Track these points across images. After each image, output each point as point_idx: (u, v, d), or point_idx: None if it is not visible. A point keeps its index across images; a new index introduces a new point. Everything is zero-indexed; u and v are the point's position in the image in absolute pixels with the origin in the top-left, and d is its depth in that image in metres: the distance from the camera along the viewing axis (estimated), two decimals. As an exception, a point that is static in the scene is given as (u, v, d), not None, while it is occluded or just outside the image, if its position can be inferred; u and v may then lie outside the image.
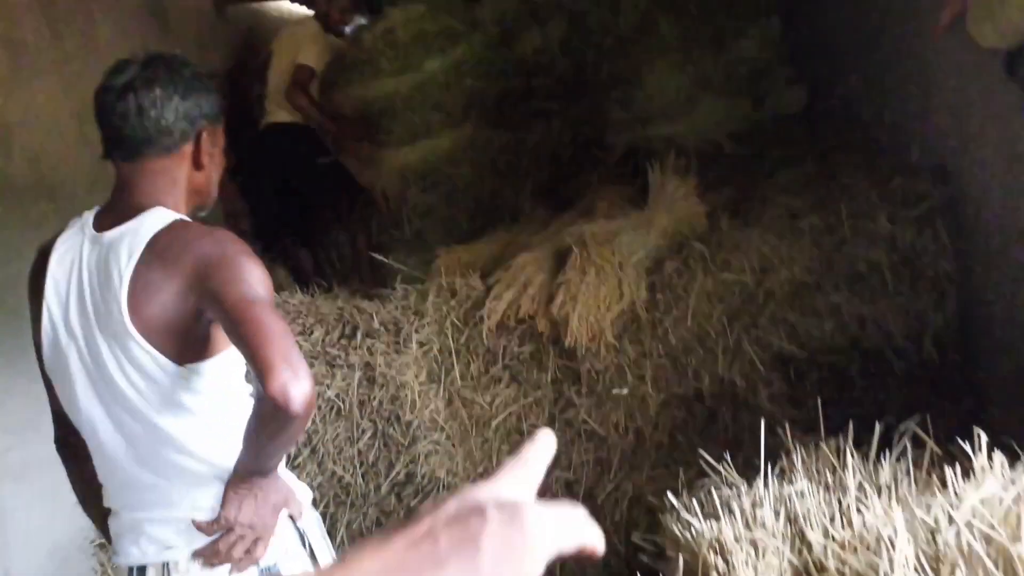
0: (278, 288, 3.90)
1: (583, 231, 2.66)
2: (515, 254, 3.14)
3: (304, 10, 5.14)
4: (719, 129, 4.14)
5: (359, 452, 2.59)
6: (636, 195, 3.41)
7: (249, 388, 1.35)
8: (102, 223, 1.32)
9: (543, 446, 0.45)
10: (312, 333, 2.84)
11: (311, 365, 2.77)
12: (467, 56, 4.53)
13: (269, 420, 1.15)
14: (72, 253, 1.32)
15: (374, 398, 2.62)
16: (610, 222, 2.73)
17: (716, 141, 4.13)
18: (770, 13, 4.22)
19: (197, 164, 1.36)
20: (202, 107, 1.34)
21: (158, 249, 1.24)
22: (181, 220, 1.30)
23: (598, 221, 2.90)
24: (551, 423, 2.66)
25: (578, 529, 0.40)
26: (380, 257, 3.11)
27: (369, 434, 2.61)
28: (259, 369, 1.11)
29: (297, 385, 1.11)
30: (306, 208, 3.97)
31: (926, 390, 2.50)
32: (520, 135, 4.32)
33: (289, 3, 5.46)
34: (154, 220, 1.28)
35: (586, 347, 2.52)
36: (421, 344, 2.74)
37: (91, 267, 1.29)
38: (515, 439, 2.67)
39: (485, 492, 0.40)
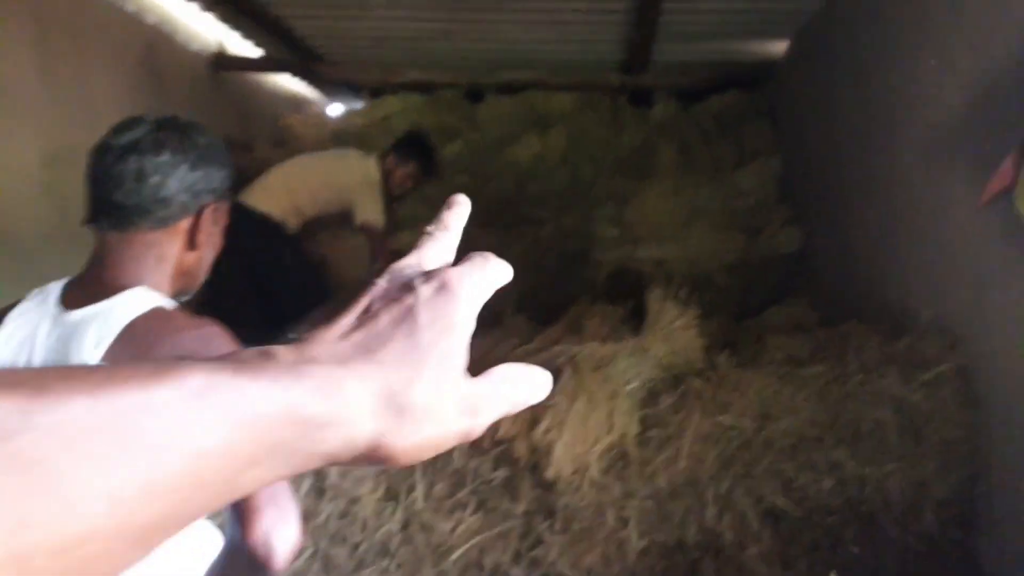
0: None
1: (574, 352, 2.48)
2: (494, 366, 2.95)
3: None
4: (711, 259, 4.08)
5: (293, 574, 2.27)
6: (627, 317, 3.28)
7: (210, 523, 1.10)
8: (70, 299, 1.11)
9: (461, 211, 0.48)
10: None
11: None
12: (462, 153, 4.47)
13: (240, 572, 0.90)
14: (24, 331, 1.09)
15: (321, 512, 2.33)
16: (603, 345, 2.55)
17: (706, 271, 4.06)
18: (771, 152, 4.25)
19: (192, 243, 1.16)
20: (211, 181, 1.16)
21: (132, 339, 1.02)
22: (163, 308, 1.09)
23: (588, 342, 2.73)
24: (515, 560, 2.39)
25: (491, 271, 0.42)
26: None
27: (308, 554, 2.31)
28: (239, 509, 0.89)
29: (284, 532, 0.89)
30: (269, 300, 3.56)
31: (924, 564, 2.32)
32: (508, 239, 4.20)
33: (290, 76, 5.41)
34: (131, 303, 1.07)
35: (567, 480, 2.29)
36: (383, 454, 2.48)
37: (47, 352, 1.06)
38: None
39: (410, 266, 0.42)
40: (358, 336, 0.37)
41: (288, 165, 3.62)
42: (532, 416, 2.39)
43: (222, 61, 4.39)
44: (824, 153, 3.59)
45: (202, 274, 1.23)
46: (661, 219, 4.24)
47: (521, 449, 2.37)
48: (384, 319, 0.37)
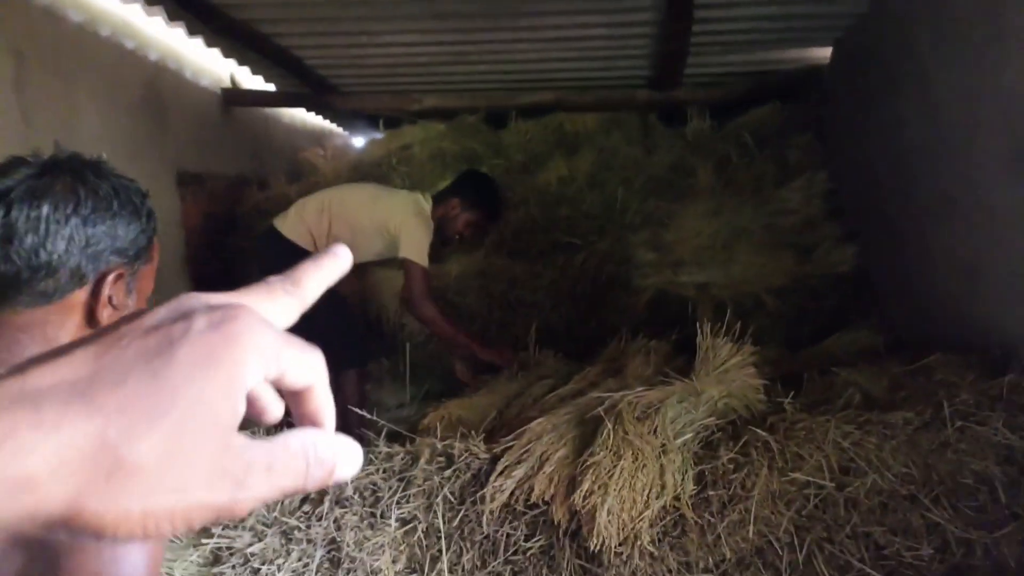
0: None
1: (616, 400, 2.17)
2: (525, 412, 2.65)
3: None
4: (758, 281, 3.75)
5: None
6: (672, 352, 2.97)
7: None
8: None
9: (332, 266, 0.43)
10: (271, 493, 2.28)
11: (262, 536, 2.21)
12: (486, 180, 4.22)
13: None
14: None
15: (336, 591, 2.04)
16: (648, 390, 2.24)
17: (755, 294, 3.73)
18: (816, 167, 3.92)
19: (92, 320, 0.89)
20: (117, 239, 0.89)
21: None
22: None
23: (631, 385, 2.42)
24: (558, 642, 2.07)
25: (308, 362, 0.36)
26: (362, 413, 2.54)
27: (324, 640, 2.01)
28: None
29: None
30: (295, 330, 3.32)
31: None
32: (537, 268, 3.92)
33: (304, 112, 5.24)
34: None
35: (614, 550, 1.97)
36: (403, 521, 2.19)
37: None
38: (512, 662, 2.07)
39: (210, 296, 0.35)
40: (86, 368, 0.29)
41: (329, 193, 3.26)
42: (570, 475, 2.08)
43: (232, 96, 4.21)
44: (881, 166, 3.26)
45: None
46: (702, 241, 3.93)
47: (560, 514, 2.06)
48: (131, 350, 0.30)
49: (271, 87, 4.44)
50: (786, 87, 4.18)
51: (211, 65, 4.01)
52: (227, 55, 3.86)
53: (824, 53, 3.88)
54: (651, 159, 4.21)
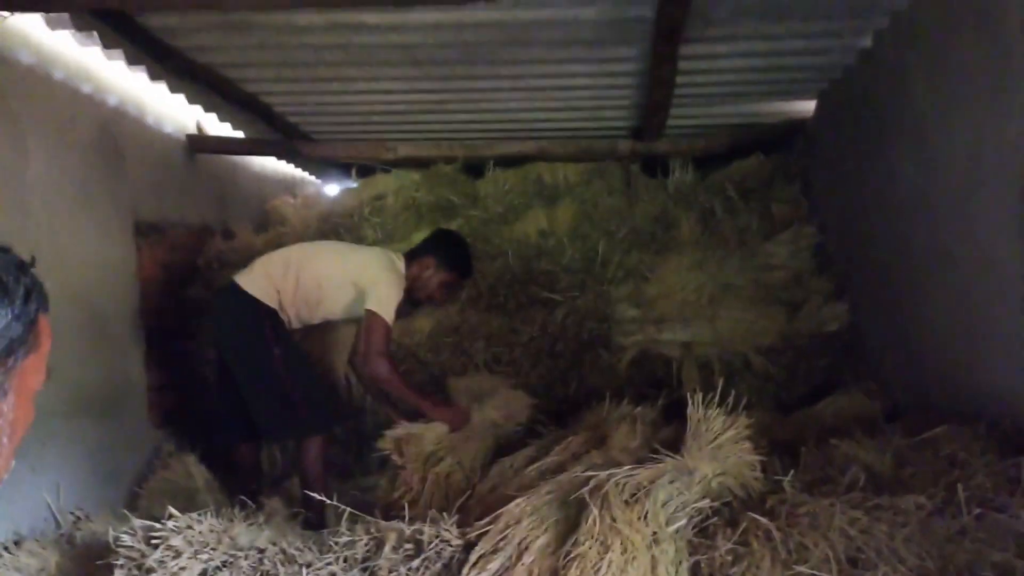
0: (190, 488, 3.08)
1: (602, 480, 1.97)
2: (502, 487, 2.44)
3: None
4: (745, 340, 3.60)
5: None
6: (659, 419, 2.78)
7: None
8: None
9: None
10: (217, 584, 2.05)
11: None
12: (462, 232, 4.05)
13: None
14: None
15: None
16: (637, 468, 2.05)
17: (742, 353, 3.58)
18: (803, 220, 3.82)
19: None
20: None
21: None
22: None
23: (617, 459, 2.22)
24: None
25: None
26: (321, 497, 2.29)
27: None
28: None
29: None
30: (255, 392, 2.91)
31: None
32: (515, 324, 3.74)
33: (275, 159, 5.07)
34: None
35: (602, 655, 1.75)
36: (365, 619, 1.96)
37: None
38: None
39: None
40: None
41: (295, 249, 3.08)
42: (552, 568, 1.87)
43: (198, 143, 4.04)
44: (873, 219, 3.15)
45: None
46: (686, 296, 3.78)
47: (540, 612, 1.84)
48: None
49: (239, 134, 4.27)
50: (770, 139, 4.10)
51: (175, 111, 3.84)
52: (192, 101, 3.69)
53: (808, 106, 3.81)
54: (633, 211, 4.09)
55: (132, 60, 3.10)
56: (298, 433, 2.89)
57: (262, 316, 2.86)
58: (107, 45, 2.94)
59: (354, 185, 4.62)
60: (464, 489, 2.60)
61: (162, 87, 3.51)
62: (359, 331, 3.26)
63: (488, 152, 4.23)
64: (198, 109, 3.90)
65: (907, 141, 2.76)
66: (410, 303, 3.14)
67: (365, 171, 4.48)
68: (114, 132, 3.28)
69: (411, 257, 3.09)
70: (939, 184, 2.55)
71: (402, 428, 2.87)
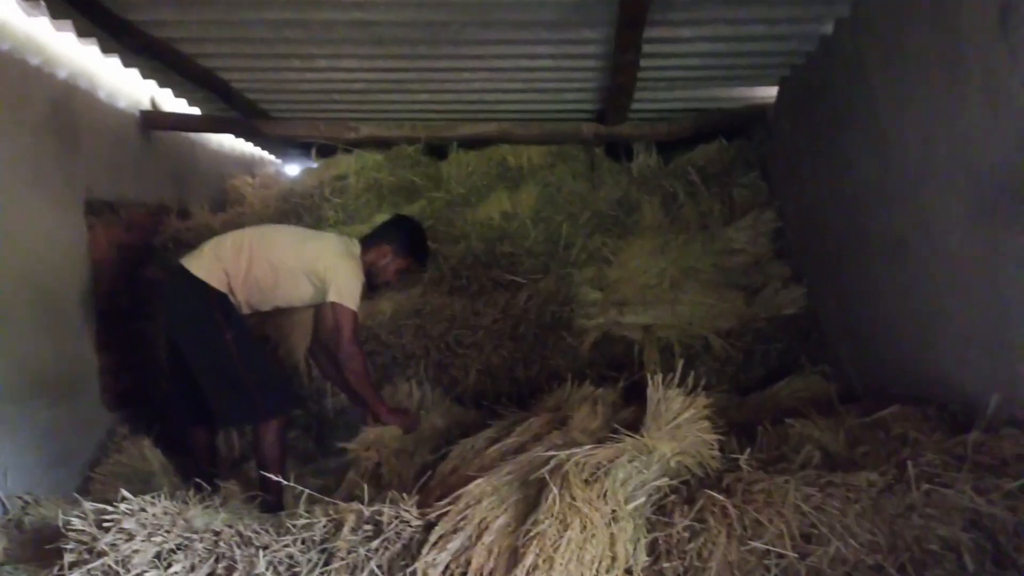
0: (145, 471, 3.03)
1: (562, 460, 1.98)
2: (463, 468, 2.44)
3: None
4: (705, 323, 3.64)
5: None
6: (619, 401, 2.80)
7: None
8: None
9: None
10: (170, 566, 2.01)
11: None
12: (425, 213, 4.03)
13: None
14: None
15: None
16: (596, 448, 2.06)
17: (702, 336, 3.62)
18: (763, 205, 3.86)
19: None
20: None
21: None
22: None
23: (578, 439, 2.24)
24: None
25: None
26: (276, 479, 2.28)
27: None
28: None
29: None
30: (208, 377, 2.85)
31: None
32: (478, 306, 3.73)
33: (233, 138, 4.97)
34: None
35: (560, 632, 1.77)
36: (324, 600, 1.95)
37: None
38: None
39: None
40: None
41: (248, 232, 3.00)
42: (512, 547, 1.88)
43: (153, 120, 3.93)
44: (829, 206, 3.20)
45: None
46: (648, 279, 3.82)
47: (500, 590, 1.85)
48: None
49: (196, 111, 4.17)
50: (732, 124, 4.13)
51: (129, 86, 3.73)
52: (146, 76, 3.59)
53: (770, 92, 3.85)
54: (597, 195, 4.10)
55: (82, 32, 3.00)
56: (253, 418, 2.83)
57: (212, 300, 2.79)
58: (56, 16, 2.84)
59: (315, 165, 4.55)
60: (422, 469, 2.62)
61: (115, 61, 3.41)
62: (317, 318, 3.24)
63: (451, 133, 4.19)
64: (152, 84, 3.80)
65: (863, 129, 2.81)
66: (369, 288, 3.11)
67: (326, 151, 4.41)
68: (66, 108, 3.17)
69: (368, 243, 3.07)
70: (893, 173, 2.60)
71: (369, 431, 2.94)
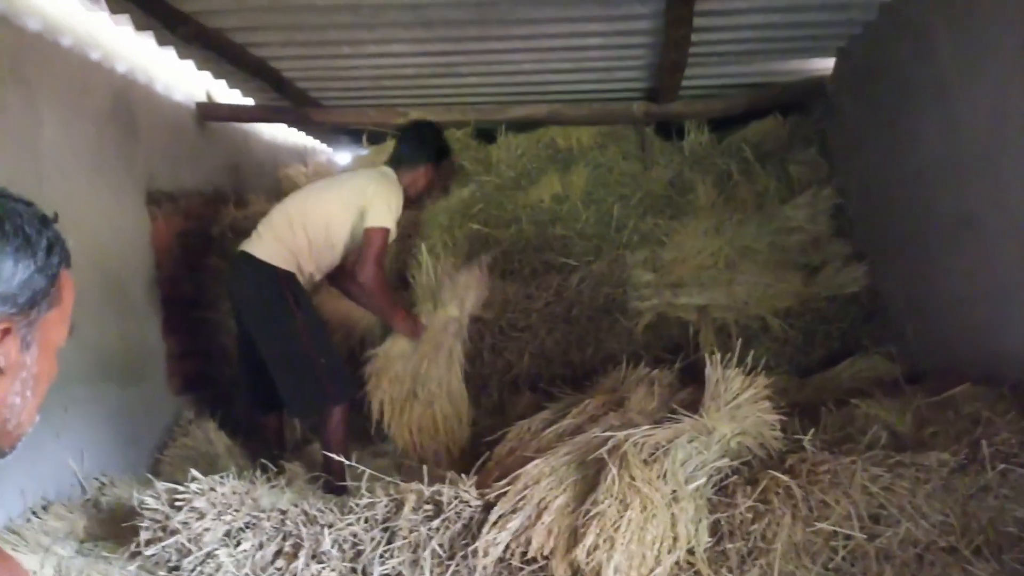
0: (211, 454, 3.11)
1: (620, 440, 1.97)
2: (520, 451, 2.45)
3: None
4: (762, 304, 3.57)
5: None
6: (676, 382, 2.77)
7: None
8: None
9: None
10: (240, 544, 2.07)
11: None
12: (476, 198, 4.03)
13: None
14: None
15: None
16: (655, 428, 2.04)
17: (760, 317, 3.55)
18: (822, 182, 3.75)
19: None
20: (1, 280, 0.70)
21: None
22: None
23: (635, 421, 2.22)
24: None
25: None
26: (341, 459, 2.34)
27: None
28: None
29: None
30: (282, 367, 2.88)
31: None
32: (530, 290, 3.72)
33: (286, 127, 5.04)
34: None
35: (623, 612, 1.76)
36: (387, 578, 1.98)
37: None
38: None
39: None
40: None
41: (286, 205, 3.03)
42: (572, 527, 1.88)
43: (208, 111, 4.01)
44: (894, 182, 3.09)
45: (20, 422, 0.75)
46: (702, 260, 3.75)
47: (561, 570, 1.86)
48: None
49: (249, 101, 4.24)
50: (787, 99, 4.02)
51: (185, 78, 3.81)
52: (201, 67, 3.66)
53: (827, 63, 3.73)
54: (648, 175, 4.04)
55: (139, 25, 3.07)
56: (321, 407, 2.87)
57: (281, 282, 2.84)
58: (114, 10, 2.91)
59: (365, 152, 4.58)
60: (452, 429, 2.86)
61: (170, 53, 3.48)
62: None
63: (500, 116, 4.17)
64: (207, 76, 3.87)
65: (929, 101, 2.70)
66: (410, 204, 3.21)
67: (376, 138, 4.43)
68: (126, 100, 3.26)
69: (403, 167, 3.10)
70: (962, 146, 2.49)
71: (377, 353, 3.15)
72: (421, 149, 3.12)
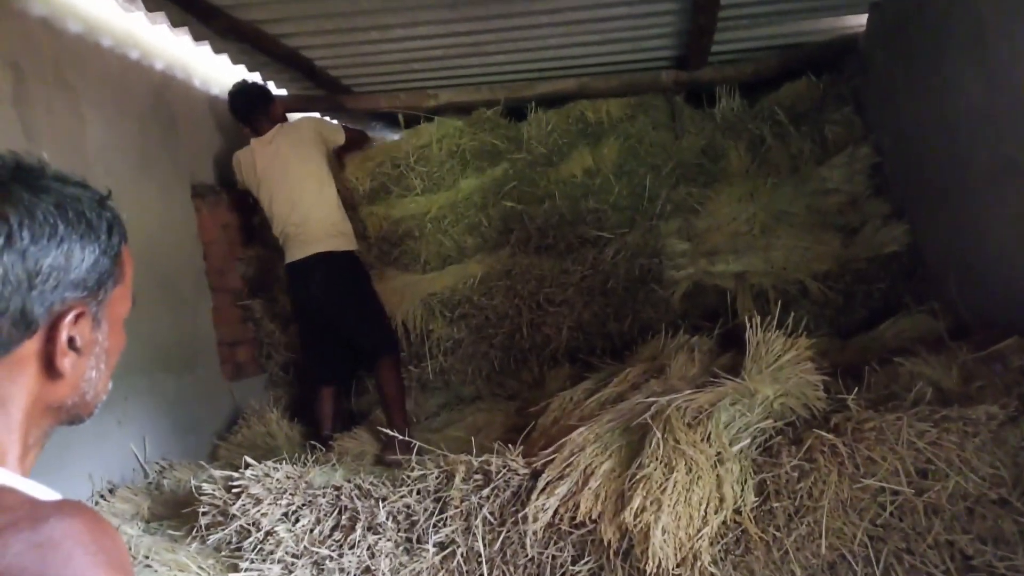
0: (268, 438, 3.26)
1: (663, 405, 2.00)
2: (564, 420, 2.49)
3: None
4: (800, 267, 3.55)
5: None
6: (717, 348, 2.78)
7: None
8: None
9: None
10: (298, 520, 2.16)
11: (291, 567, 2.07)
12: (508, 176, 4.05)
13: None
14: None
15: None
16: (697, 392, 2.07)
17: (799, 281, 3.53)
18: (858, 142, 3.69)
19: (51, 369, 0.74)
20: (70, 269, 0.73)
21: None
22: None
23: (677, 387, 2.24)
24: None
25: None
26: (390, 432, 2.44)
27: None
28: None
29: None
30: (340, 343, 3.39)
31: None
32: (566, 264, 3.75)
33: (320, 114, 5.10)
34: None
35: (672, 572, 1.80)
36: (441, 546, 2.05)
37: None
38: None
39: None
40: None
41: (274, 198, 3.47)
42: (619, 491, 1.92)
43: (243, 103, 4.07)
44: (932, 135, 3.03)
45: (97, 392, 0.80)
46: (737, 227, 3.74)
47: (609, 533, 1.90)
48: None
49: (283, 92, 4.30)
50: (819, 59, 3.95)
51: (220, 73, 3.89)
52: (236, 61, 3.73)
53: (860, 20, 3.66)
54: (680, 144, 4.01)
55: (175, 21, 3.14)
56: (395, 347, 3.40)
57: (343, 262, 3.36)
58: (150, 8, 2.98)
59: (397, 136, 4.63)
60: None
61: (205, 49, 3.55)
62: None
63: (530, 92, 4.18)
64: (242, 69, 3.94)
65: (966, 49, 2.64)
66: None
67: (409, 121, 4.47)
68: (165, 96, 3.35)
69: (269, 111, 3.55)
70: (1001, 93, 2.44)
71: None
72: (259, 99, 3.56)
